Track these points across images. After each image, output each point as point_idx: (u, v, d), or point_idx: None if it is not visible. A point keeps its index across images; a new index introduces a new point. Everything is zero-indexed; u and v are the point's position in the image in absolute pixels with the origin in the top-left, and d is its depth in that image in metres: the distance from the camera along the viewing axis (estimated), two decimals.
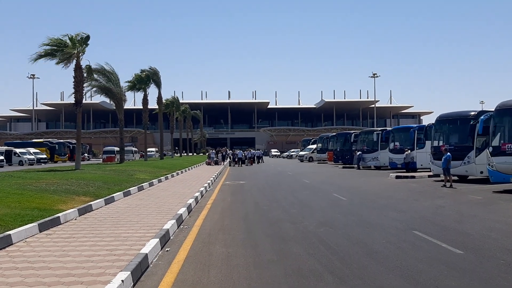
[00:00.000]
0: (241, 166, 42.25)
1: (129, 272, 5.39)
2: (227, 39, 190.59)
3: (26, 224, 8.39)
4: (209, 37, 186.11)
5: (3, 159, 43.54)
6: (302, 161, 53.26)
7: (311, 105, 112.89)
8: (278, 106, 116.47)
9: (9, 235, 7.49)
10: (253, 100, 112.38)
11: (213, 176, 24.97)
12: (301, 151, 60.23)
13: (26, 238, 7.85)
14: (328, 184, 20.50)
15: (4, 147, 51.38)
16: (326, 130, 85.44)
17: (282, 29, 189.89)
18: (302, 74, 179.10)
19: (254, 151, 53.11)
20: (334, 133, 45.69)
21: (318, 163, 46.64)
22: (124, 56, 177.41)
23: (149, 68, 46.35)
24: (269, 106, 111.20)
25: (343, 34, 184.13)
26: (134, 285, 5.42)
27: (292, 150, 74.61)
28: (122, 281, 5.09)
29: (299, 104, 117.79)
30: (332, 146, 42.32)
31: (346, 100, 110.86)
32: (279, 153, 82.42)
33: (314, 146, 52.82)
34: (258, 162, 48.96)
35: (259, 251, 7.19)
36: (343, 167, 35.76)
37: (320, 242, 7.74)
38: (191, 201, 12.91)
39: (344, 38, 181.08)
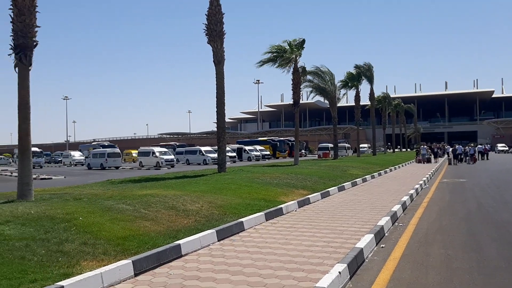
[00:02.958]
0: (461, 163, 38.63)
1: (345, 265, 5.57)
2: (441, 29, 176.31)
3: (255, 213, 9.52)
4: (424, 29, 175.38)
5: (235, 155, 51.29)
6: None
7: None
8: (505, 94, 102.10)
9: (242, 222, 8.65)
10: (474, 90, 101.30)
11: (429, 173, 23.55)
12: None
13: (255, 226, 8.92)
14: None
15: (236, 145, 59.87)
16: None
17: None
18: None
19: (478, 146, 47.73)
20: None
21: None
22: (336, 53, 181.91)
23: (363, 64, 46.56)
24: (493, 96, 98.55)
25: None
26: (350, 278, 5.59)
27: None
28: (339, 272, 5.30)
29: None
30: None
31: None
32: (507, 148, 72.29)
33: None
34: (482, 158, 43.88)
35: (483, 255, 6.59)
36: None
37: None
38: (405, 198, 12.51)
39: None
